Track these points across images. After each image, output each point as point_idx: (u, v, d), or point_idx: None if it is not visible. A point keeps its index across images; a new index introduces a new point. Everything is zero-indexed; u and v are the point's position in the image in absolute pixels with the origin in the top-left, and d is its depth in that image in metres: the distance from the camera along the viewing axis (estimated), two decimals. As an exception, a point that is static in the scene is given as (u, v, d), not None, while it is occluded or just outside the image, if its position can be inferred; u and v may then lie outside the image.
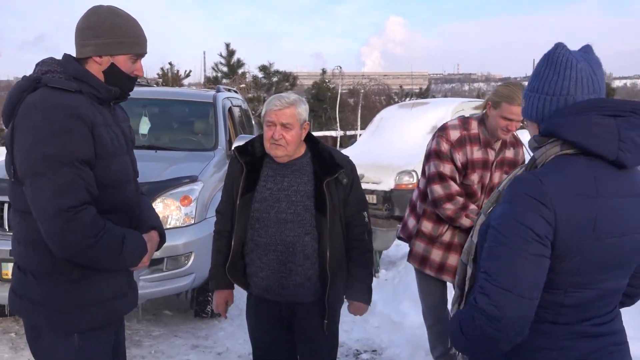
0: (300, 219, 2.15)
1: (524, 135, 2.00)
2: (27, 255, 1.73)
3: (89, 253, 1.65)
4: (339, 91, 18.34)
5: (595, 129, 1.25)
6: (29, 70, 1.80)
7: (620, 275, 1.34)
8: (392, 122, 8.32)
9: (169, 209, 3.67)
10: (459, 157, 2.63)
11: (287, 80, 19.81)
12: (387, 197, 7.11)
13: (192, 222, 3.74)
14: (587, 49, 1.37)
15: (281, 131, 2.12)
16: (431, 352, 3.01)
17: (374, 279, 3.85)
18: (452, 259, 2.69)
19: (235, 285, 2.35)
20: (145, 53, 1.85)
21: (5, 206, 3.48)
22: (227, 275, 2.27)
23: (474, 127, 2.66)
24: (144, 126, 4.89)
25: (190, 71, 18.04)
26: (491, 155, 2.68)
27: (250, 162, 2.22)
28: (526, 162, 1.43)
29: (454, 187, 2.63)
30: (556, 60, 1.33)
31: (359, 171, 2.41)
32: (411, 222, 2.90)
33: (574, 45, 1.40)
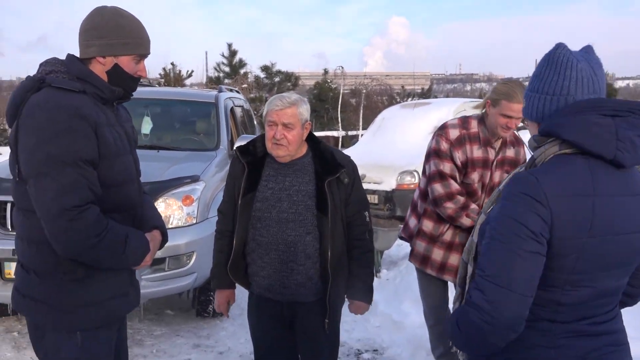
0: (301, 218, 2.16)
1: (526, 136, 2.01)
2: (31, 254, 1.74)
3: (92, 252, 1.66)
4: (341, 91, 18.36)
5: (593, 129, 1.26)
6: (31, 71, 1.81)
7: (619, 275, 1.35)
8: (394, 122, 8.32)
9: (170, 209, 3.69)
10: (458, 156, 2.63)
11: (289, 81, 19.83)
12: (388, 197, 7.11)
13: (194, 221, 3.75)
14: (587, 49, 1.38)
15: (283, 131, 2.13)
16: (432, 352, 3.01)
17: (375, 278, 3.85)
18: (453, 259, 2.70)
19: (237, 285, 2.36)
20: (149, 54, 1.86)
21: (8, 206, 3.49)
22: (228, 275, 2.28)
23: (474, 126, 2.67)
24: (146, 126, 4.90)
25: (192, 71, 18.10)
26: (491, 154, 2.68)
27: (252, 162, 2.23)
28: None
29: (454, 186, 2.63)
30: (556, 60, 1.33)
31: (361, 171, 2.42)
32: (412, 222, 2.90)
33: (576, 45, 1.40)
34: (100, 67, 1.77)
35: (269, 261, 2.19)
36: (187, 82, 17.85)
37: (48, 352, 1.78)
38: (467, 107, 7.72)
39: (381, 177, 7.15)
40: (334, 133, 17.02)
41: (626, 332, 1.41)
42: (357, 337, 3.90)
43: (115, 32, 1.75)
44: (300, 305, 2.23)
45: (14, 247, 3.26)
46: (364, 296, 2.33)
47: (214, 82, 17.57)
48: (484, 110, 2.67)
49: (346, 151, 7.48)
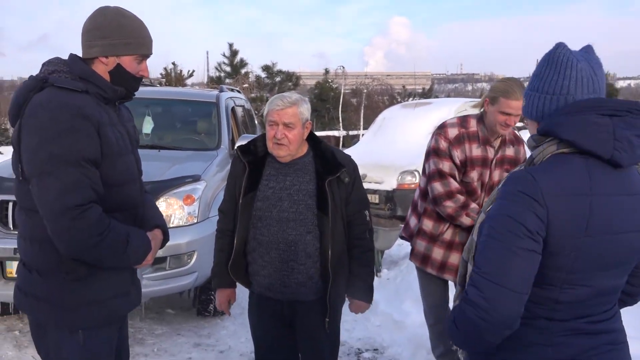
0: (302, 217, 2.17)
1: (526, 135, 2.01)
2: (33, 252, 1.75)
3: (94, 251, 1.67)
4: (342, 91, 18.37)
5: (591, 128, 1.27)
6: (32, 71, 1.81)
7: (618, 274, 1.35)
8: (395, 122, 8.32)
9: (171, 208, 3.69)
10: (457, 155, 2.64)
11: (290, 80, 19.84)
12: (389, 197, 7.12)
13: (195, 221, 3.76)
14: (587, 49, 1.38)
15: (283, 131, 2.14)
16: (432, 352, 3.01)
17: (376, 278, 3.87)
18: (454, 258, 2.70)
19: (238, 284, 2.37)
20: (151, 54, 1.87)
21: (10, 205, 3.50)
22: (229, 274, 2.29)
23: (473, 125, 2.67)
24: (147, 126, 4.91)
25: (193, 71, 18.13)
26: (490, 152, 2.69)
27: (252, 161, 2.23)
28: None
29: (454, 185, 2.64)
30: (557, 60, 1.34)
31: (362, 171, 2.42)
32: (413, 221, 2.91)
33: (577, 45, 1.40)
34: (102, 67, 1.78)
35: (270, 260, 2.20)
36: (188, 81, 17.88)
37: (50, 351, 1.79)
38: (468, 107, 7.73)
39: (382, 176, 7.16)
40: (335, 133, 17.03)
41: (625, 332, 1.42)
42: (357, 336, 3.91)
43: (117, 32, 1.76)
44: (300, 304, 2.24)
45: (15, 247, 3.27)
46: (365, 295, 2.33)
47: (215, 82, 17.58)
48: (482, 109, 2.67)
49: (347, 151, 7.48)
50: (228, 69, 19.23)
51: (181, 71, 17.65)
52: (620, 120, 1.27)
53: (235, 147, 2.33)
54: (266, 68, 19.57)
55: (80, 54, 1.80)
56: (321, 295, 2.22)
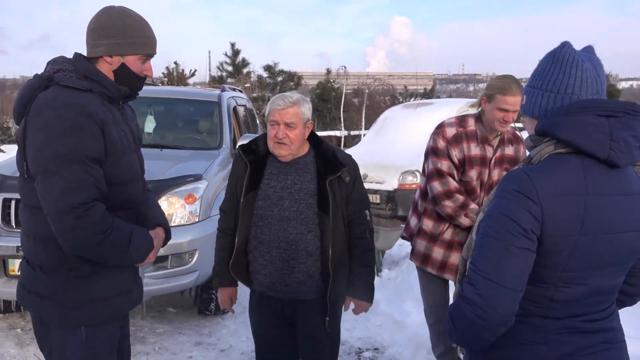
0: (303, 216, 2.18)
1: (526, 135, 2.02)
2: (37, 250, 1.76)
3: (97, 249, 1.68)
4: (344, 91, 18.35)
5: (588, 129, 1.27)
6: (34, 69, 1.83)
7: (614, 273, 1.36)
8: (396, 122, 8.32)
9: (173, 207, 3.71)
10: (455, 154, 2.65)
11: (292, 80, 19.83)
12: (390, 197, 7.12)
13: (197, 220, 3.77)
14: (589, 50, 1.38)
15: (285, 130, 2.15)
16: (433, 351, 3.02)
17: (376, 278, 3.87)
18: (454, 258, 2.71)
19: (239, 283, 2.38)
20: (155, 53, 1.88)
21: (12, 203, 3.51)
22: (230, 273, 2.30)
23: (471, 124, 2.68)
24: (149, 125, 4.93)
25: (195, 70, 18.12)
26: (489, 152, 2.69)
27: (254, 161, 2.24)
28: None
29: (453, 184, 2.65)
30: (563, 59, 1.34)
31: (363, 171, 2.43)
32: (413, 221, 2.92)
33: (578, 45, 1.40)
34: (107, 66, 1.79)
35: (271, 259, 2.21)
36: (190, 81, 17.87)
37: (53, 348, 1.80)
38: (469, 107, 7.71)
39: (383, 176, 7.16)
40: (337, 133, 17.02)
41: (623, 331, 1.42)
42: (358, 335, 3.92)
43: (122, 32, 1.77)
44: (301, 303, 2.25)
45: (17, 244, 3.30)
46: (365, 295, 2.34)
47: (217, 82, 17.59)
48: (480, 109, 2.68)
49: (348, 151, 7.49)
50: (230, 68, 19.22)
51: (183, 70, 17.66)
52: (617, 121, 1.28)
53: (237, 147, 2.34)
54: (268, 68, 19.57)
55: (84, 53, 1.81)
56: (322, 294, 2.23)
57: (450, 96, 29.16)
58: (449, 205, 2.64)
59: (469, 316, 1.28)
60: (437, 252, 2.75)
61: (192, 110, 5.48)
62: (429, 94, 23.83)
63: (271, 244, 2.20)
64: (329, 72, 21.15)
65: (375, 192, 7.11)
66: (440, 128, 2.72)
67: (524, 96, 1.43)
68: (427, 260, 2.79)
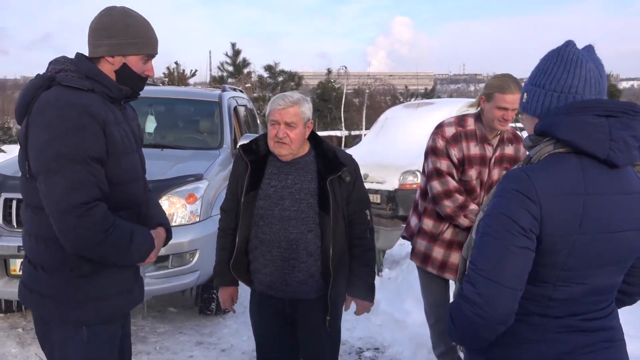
0: (303, 216, 2.18)
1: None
2: (39, 249, 1.76)
3: (99, 248, 1.69)
4: (344, 91, 18.36)
5: (587, 129, 1.28)
6: (35, 70, 1.83)
7: (613, 272, 1.36)
8: (397, 122, 8.33)
9: (174, 207, 3.71)
10: (454, 153, 2.66)
11: (293, 80, 19.84)
12: (391, 197, 7.12)
13: (197, 219, 3.78)
14: (589, 49, 1.37)
15: (285, 130, 2.15)
16: (433, 350, 3.02)
17: (377, 278, 3.87)
18: (454, 257, 2.71)
19: (240, 283, 2.38)
20: (156, 54, 1.89)
21: (14, 203, 3.52)
22: (231, 272, 2.30)
23: (470, 124, 2.69)
24: (150, 125, 4.94)
25: (196, 70, 18.13)
26: (488, 151, 2.70)
27: (254, 160, 2.25)
28: None
29: (452, 183, 2.66)
30: (567, 58, 1.33)
31: (364, 171, 2.44)
32: (413, 221, 2.92)
33: (578, 46, 1.40)
34: (108, 67, 1.80)
35: (271, 258, 2.22)
36: (191, 81, 17.88)
37: (54, 347, 1.80)
38: (468, 107, 7.71)
39: (384, 176, 7.17)
40: (337, 133, 17.03)
41: (622, 329, 1.42)
42: (358, 335, 3.92)
43: (124, 32, 1.78)
44: (301, 302, 2.25)
45: (19, 244, 3.30)
46: (366, 294, 2.35)
47: (217, 82, 17.59)
48: (479, 108, 2.69)
49: (349, 151, 7.49)
50: (230, 68, 19.24)
51: (184, 70, 17.67)
52: (616, 121, 1.28)
53: (238, 146, 2.34)
54: (269, 68, 19.57)
55: (85, 53, 1.82)
56: (322, 294, 2.23)
57: (451, 96, 29.14)
58: (448, 205, 2.64)
59: (468, 315, 1.28)
60: (437, 252, 2.76)
61: (192, 110, 5.48)
62: (429, 94, 23.84)
63: (272, 243, 2.20)
64: (329, 72, 21.16)
65: (376, 192, 7.11)
66: (439, 128, 2.73)
67: (525, 94, 1.41)
68: (427, 260, 2.79)
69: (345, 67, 19.31)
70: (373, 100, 19.93)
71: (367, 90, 19.48)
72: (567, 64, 1.32)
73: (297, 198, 2.19)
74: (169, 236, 2.02)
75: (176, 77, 17.05)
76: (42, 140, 1.65)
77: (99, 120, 1.69)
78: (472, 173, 2.69)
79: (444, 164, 2.67)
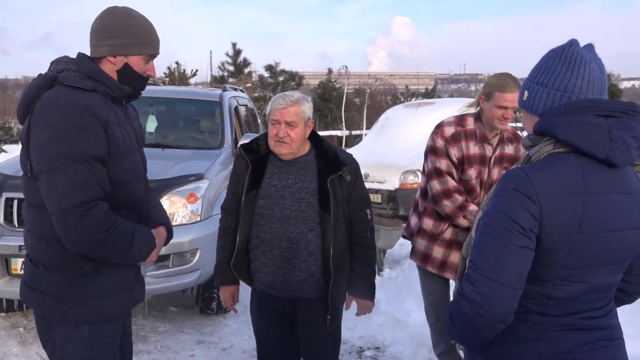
0: (304, 215, 2.19)
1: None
2: (40, 248, 1.77)
3: (100, 248, 1.69)
4: (345, 91, 18.38)
5: (587, 129, 1.28)
6: (36, 70, 1.84)
7: (612, 271, 1.37)
8: (398, 121, 8.34)
9: (175, 206, 3.72)
10: (454, 153, 2.66)
11: (293, 80, 19.84)
12: (391, 197, 7.13)
13: (198, 219, 3.78)
14: (589, 48, 1.37)
15: (285, 129, 2.16)
16: (433, 350, 3.03)
17: (378, 277, 3.88)
18: (454, 257, 2.72)
19: (241, 282, 2.39)
20: (158, 54, 1.90)
21: (15, 202, 3.53)
22: (232, 272, 2.31)
23: (470, 123, 2.69)
24: (151, 124, 4.95)
25: (196, 70, 18.13)
26: (488, 150, 2.70)
27: (255, 160, 2.25)
28: None
29: (452, 183, 2.66)
30: (571, 57, 1.33)
31: (364, 170, 2.44)
32: (413, 220, 2.93)
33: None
34: (110, 66, 1.81)
35: (272, 258, 2.22)
36: (192, 81, 17.89)
37: (55, 345, 1.81)
38: (467, 107, 7.71)
39: (384, 176, 7.17)
40: (338, 132, 17.04)
41: (621, 328, 1.43)
42: (359, 334, 3.93)
43: (125, 33, 1.78)
44: (302, 301, 2.26)
45: (20, 244, 3.30)
46: (366, 294, 2.35)
47: (218, 81, 17.60)
48: (478, 108, 2.69)
49: (350, 150, 7.50)
50: (231, 68, 19.25)
51: (184, 70, 17.68)
52: (616, 121, 1.28)
53: (238, 146, 2.35)
54: (269, 68, 19.58)
55: (87, 53, 1.83)
56: (323, 293, 2.24)
57: (451, 96, 29.13)
58: (447, 205, 2.65)
59: (468, 314, 1.29)
60: (437, 251, 2.76)
61: (193, 110, 5.49)
62: (430, 94, 23.83)
63: (272, 242, 2.21)
64: (330, 72, 21.17)
65: (377, 191, 7.12)
66: (439, 127, 2.73)
67: (525, 91, 1.40)
68: (427, 259, 2.80)
69: (346, 67, 19.33)
70: (374, 100, 19.94)
71: (368, 90, 19.48)
72: (571, 63, 1.32)
73: (298, 197, 2.20)
74: (170, 235, 2.03)
75: (177, 76, 17.06)
76: (44, 139, 1.65)
77: (100, 120, 1.70)
78: (472, 172, 2.69)
79: (443, 164, 2.67)
